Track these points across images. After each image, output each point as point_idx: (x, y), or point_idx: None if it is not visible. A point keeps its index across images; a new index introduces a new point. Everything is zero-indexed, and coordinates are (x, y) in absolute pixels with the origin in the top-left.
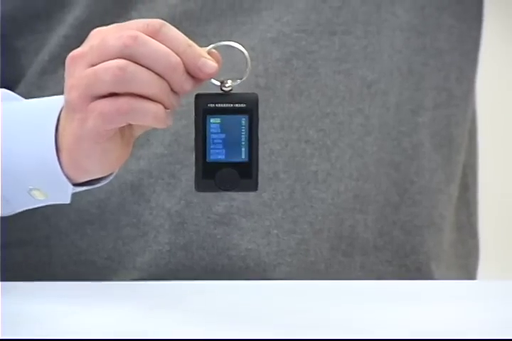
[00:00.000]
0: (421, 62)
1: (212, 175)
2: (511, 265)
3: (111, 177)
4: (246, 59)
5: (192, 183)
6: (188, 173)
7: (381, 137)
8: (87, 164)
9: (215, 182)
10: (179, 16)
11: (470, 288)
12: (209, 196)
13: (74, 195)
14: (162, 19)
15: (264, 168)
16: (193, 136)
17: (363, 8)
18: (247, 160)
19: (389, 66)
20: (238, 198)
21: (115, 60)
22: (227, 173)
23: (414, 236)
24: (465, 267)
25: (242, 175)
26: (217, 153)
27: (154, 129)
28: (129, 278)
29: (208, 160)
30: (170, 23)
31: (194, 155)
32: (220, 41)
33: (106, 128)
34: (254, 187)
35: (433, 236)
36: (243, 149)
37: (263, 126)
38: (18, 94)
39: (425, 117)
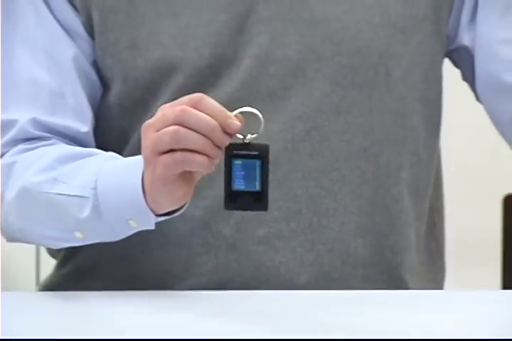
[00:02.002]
0: (401, 135)
1: (235, 200)
2: (471, 279)
3: (182, 211)
4: (260, 120)
5: (243, 214)
6: None
7: (374, 186)
8: (161, 200)
9: (238, 205)
10: (234, 101)
11: (439, 296)
12: (254, 224)
13: (158, 225)
14: (222, 102)
15: (292, 205)
16: None
17: (360, 97)
18: (259, 189)
19: (379, 137)
20: (274, 226)
21: (171, 127)
22: (246, 198)
23: (397, 256)
24: (435, 280)
25: (256, 200)
26: (239, 184)
27: (214, 177)
28: (197, 282)
29: (232, 189)
30: (227, 105)
31: (224, 186)
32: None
33: (168, 174)
34: (264, 208)
35: (408, 257)
36: (257, 182)
37: (290, 176)
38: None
39: (405, 173)
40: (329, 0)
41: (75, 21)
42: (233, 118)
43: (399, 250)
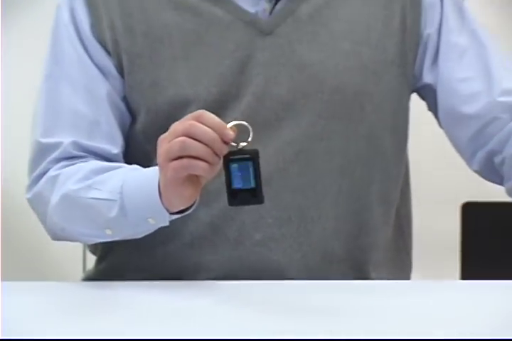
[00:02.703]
0: (373, 156)
1: (236, 197)
2: (434, 272)
3: (190, 210)
4: (249, 130)
5: (243, 221)
6: (242, 216)
7: (349, 197)
8: (172, 200)
9: (239, 201)
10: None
11: (406, 285)
12: (252, 229)
13: (176, 229)
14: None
15: (283, 214)
16: None
17: (338, 126)
18: (254, 186)
19: (354, 158)
20: (268, 231)
21: (180, 138)
22: (244, 195)
23: (365, 254)
24: (402, 272)
25: (253, 195)
26: (237, 184)
27: (221, 192)
28: (207, 276)
29: (232, 187)
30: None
31: (225, 186)
32: (249, 137)
33: (177, 177)
34: (260, 201)
35: (375, 255)
36: (251, 180)
37: (282, 190)
38: None
39: (375, 187)
40: (313, 48)
41: (108, 64)
42: (228, 129)
43: (367, 249)
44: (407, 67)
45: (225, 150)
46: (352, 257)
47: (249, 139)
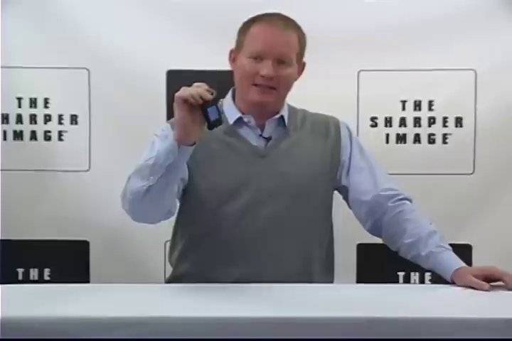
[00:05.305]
0: (314, 225)
1: (211, 123)
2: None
3: (193, 147)
4: (212, 90)
5: (249, 254)
6: (248, 252)
7: (303, 243)
8: (179, 132)
9: (212, 126)
10: (245, 205)
11: (330, 286)
12: (255, 257)
13: (212, 256)
14: (242, 204)
15: (268, 251)
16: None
17: (299, 206)
18: (218, 117)
19: (306, 225)
20: (262, 257)
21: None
22: (214, 122)
23: (311, 269)
24: (329, 280)
25: (218, 121)
26: (211, 117)
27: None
28: (229, 281)
29: (210, 119)
30: (244, 205)
31: (205, 120)
32: None
33: (181, 105)
34: (221, 123)
35: (316, 270)
36: (217, 114)
37: (267, 241)
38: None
39: (316, 237)
40: (288, 165)
41: (184, 166)
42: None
43: (312, 267)
44: (332, 176)
45: (206, 95)
46: (304, 271)
47: (214, 95)
